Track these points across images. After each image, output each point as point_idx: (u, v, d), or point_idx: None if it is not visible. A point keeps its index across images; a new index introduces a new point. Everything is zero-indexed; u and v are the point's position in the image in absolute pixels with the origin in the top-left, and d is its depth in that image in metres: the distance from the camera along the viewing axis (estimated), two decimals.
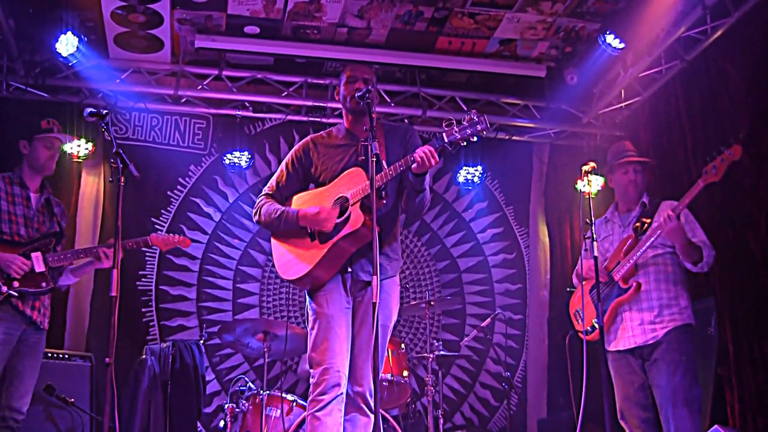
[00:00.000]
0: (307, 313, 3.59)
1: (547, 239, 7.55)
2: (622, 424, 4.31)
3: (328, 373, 3.34)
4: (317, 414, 3.31)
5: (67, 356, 5.46)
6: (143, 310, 6.71)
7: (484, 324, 5.93)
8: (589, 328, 4.39)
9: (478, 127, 3.27)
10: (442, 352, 5.45)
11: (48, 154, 4.55)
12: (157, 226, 6.79)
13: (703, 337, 5.21)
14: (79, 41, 5.85)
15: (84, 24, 6.05)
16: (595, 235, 4.02)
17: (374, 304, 2.87)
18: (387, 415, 5.07)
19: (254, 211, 3.71)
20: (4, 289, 4.18)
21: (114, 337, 3.24)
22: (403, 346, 5.58)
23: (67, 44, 5.82)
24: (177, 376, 5.49)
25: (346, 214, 3.43)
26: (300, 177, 3.73)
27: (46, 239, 4.44)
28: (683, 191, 4.11)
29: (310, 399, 3.38)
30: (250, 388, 5.02)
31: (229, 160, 6.88)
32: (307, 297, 3.60)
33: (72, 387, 5.27)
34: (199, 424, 5.88)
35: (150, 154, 6.89)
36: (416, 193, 3.45)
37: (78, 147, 6.46)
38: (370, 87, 3.38)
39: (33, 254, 4.31)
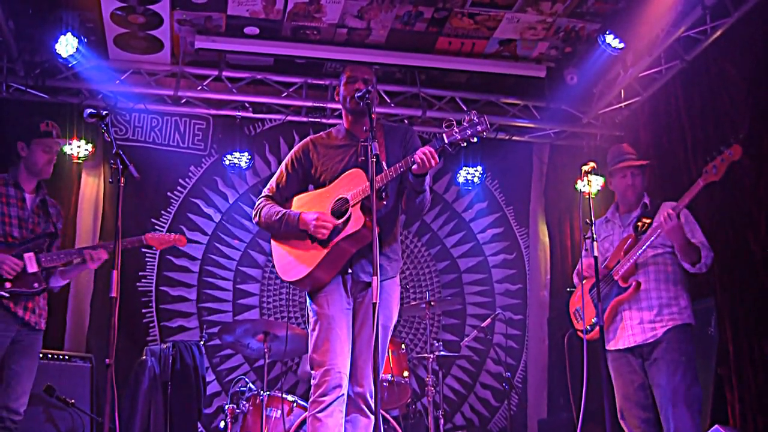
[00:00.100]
0: (308, 314, 3.58)
1: (547, 239, 7.55)
2: (622, 424, 4.31)
3: (330, 374, 3.34)
4: (318, 415, 3.31)
5: (67, 357, 5.45)
6: (143, 311, 6.71)
7: (484, 324, 5.93)
8: (588, 327, 4.38)
9: (478, 128, 3.27)
10: (442, 353, 5.45)
11: (46, 159, 4.51)
12: (157, 227, 6.78)
13: (703, 337, 5.21)
14: (78, 42, 5.86)
15: (84, 25, 6.05)
16: (595, 235, 4.02)
17: (374, 304, 2.86)
18: (387, 416, 5.07)
19: (254, 212, 3.71)
20: None
21: (114, 338, 3.24)
22: (403, 346, 5.57)
23: (66, 45, 5.83)
24: (177, 377, 5.49)
25: (346, 216, 3.43)
26: (300, 178, 3.73)
27: (39, 240, 4.42)
28: (683, 191, 4.10)
29: (311, 400, 3.38)
30: (250, 388, 5.02)
31: (229, 160, 6.88)
32: (307, 298, 3.60)
33: (72, 388, 5.27)
34: (199, 425, 5.88)
35: (150, 155, 6.88)
36: (416, 194, 3.45)
37: (78, 148, 6.46)
38: (370, 87, 3.38)
39: (26, 255, 4.28)
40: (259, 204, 3.71)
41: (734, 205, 5.28)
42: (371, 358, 3.11)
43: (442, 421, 5.38)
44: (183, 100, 6.81)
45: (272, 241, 3.69)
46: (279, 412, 4.80)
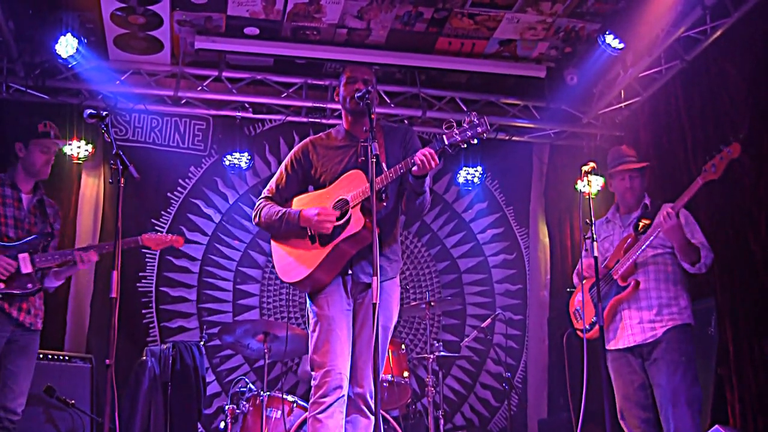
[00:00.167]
0: (308, 315, 3.58)
1: (547, 239, 7.55)
2: (622, 424, 4.30)
3: (330, 375, 3.34)
4: (319, 416, 3.31)
5: (67, 358, 5.45)
6: (143, 311, 6.71)
7: (484, 324, 5.94)
8: (587, 326, 4.38)
9: (479, 130, 3.26)
10: (442, 353, 5.45)
11: (44, 159, 4.50)
12: (157, 228, 6.78)
13: (703, 337, 5.20)
14: (78, 43, 5.86)
15: (84, 25, 6.06)
16: (595, 236, 4.02)
17: (374, 305, 2.86)
18: (387, 416, 5.07)
19: (254, 213, 3.70)
20: None
21: (114, 339, 3.23)
22: (403, 346, 5.57)
23: (66, 46, 5.83)
24: (177, 377, 5.49)
25: (346, 217, 3.42)
26: (299, 179, 3.72)
27: (35, 240, 4.41)
28: (683, 191, 4.10)
29: (311, 401, 3.38)
30: (250, 389, 5.02)
31: (229, 161, 6.88)
32: (307, 299, 3.59)
33: (72, 388, 5.28)
34: (199, 426, 5.88)
35: (150, 156, 6.89)
36: (416, 196, 3.44)
37: (78, 148, 6.47)
38: (369, 88, 3.38)
39: (20, 255, 4.27)
40: (258, 205, 3.71)
41: (734, 205, 5.28)
42: (371, 358, 3.11)
43: (442, 422, 5.38)
44: (183, 101, 6.81)
45: (272, 242, 3.68)
46: (279, 412, 4.80)
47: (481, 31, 6.35)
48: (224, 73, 6.69)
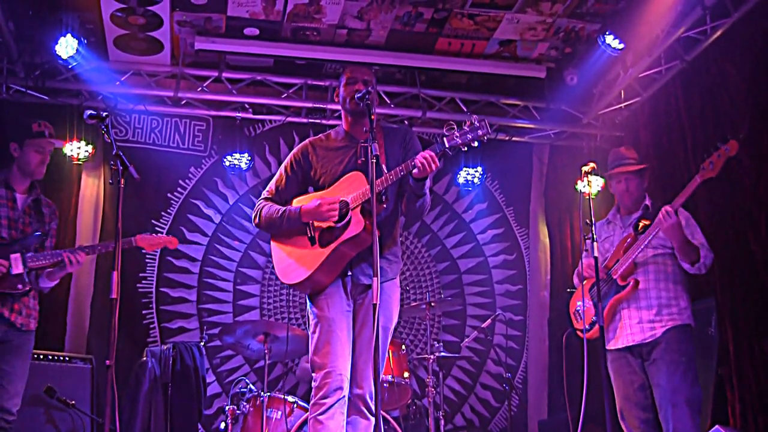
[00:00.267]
0: (308, 317, 3.58)
1: (547, 240, 7.55)
2: (622, 424, 4.30)
3: (331, 376, 3.34)
4: (320, 417, 3.31)
5: (67, 358, 5.45)
6: (144, 312, 6.71)
7: (484, 325, 5.94)
8: (587, 326, 4.37)
9: (479, 132, 3.26)
10: (442, 354, 5.45)
11: (39, 159, 4.46)
12: (157, 228, 6.78)
13: (703, 338, 5.20)
14: (78, 43, 5.86)
15: (84, 26, 6.06)
16: (595, 236, 4.01)
17: (375, 305, 2.86)
18: (388, 417, 5.07)
19: (254, 214, 3.69)
20: None
21: (114, 339, 3.23)
22: (403, 347, 5.58)
23: (66, 46, 5.83)
24: (178, 378, 5.49)
25: (346, 219, 3.42)
26: (299, 180, 3.72)
27: (28, 240, 4.38)
28: (682, 190, 4.10)
29: (312, 402, 3.38)
30: (250, 389, 5.02)
31: (229, 161, 6.88)
32: (307, 301, 3.59)
33: (73, 389, 5.28)
34: (200, 426, 5.88)
35: (150, 156, 6.89)
36: (417, 198, 3.44)
37: (78, 149, 6.46)
38: (369, 88, 3.36)
39: (12, 255, 4.23)
40: (258, 205, 3.71)
41: (734, 205, 5.28)
42: (371, 359, 3.11)
43: (442, 422, 5.38)
44: (183, 101, 6.81)
45: (272, 243, 3.68)
46: (279, 413, 4.80)
47: (481, 32, 6.36)
48: (224, 74, 6.70)
